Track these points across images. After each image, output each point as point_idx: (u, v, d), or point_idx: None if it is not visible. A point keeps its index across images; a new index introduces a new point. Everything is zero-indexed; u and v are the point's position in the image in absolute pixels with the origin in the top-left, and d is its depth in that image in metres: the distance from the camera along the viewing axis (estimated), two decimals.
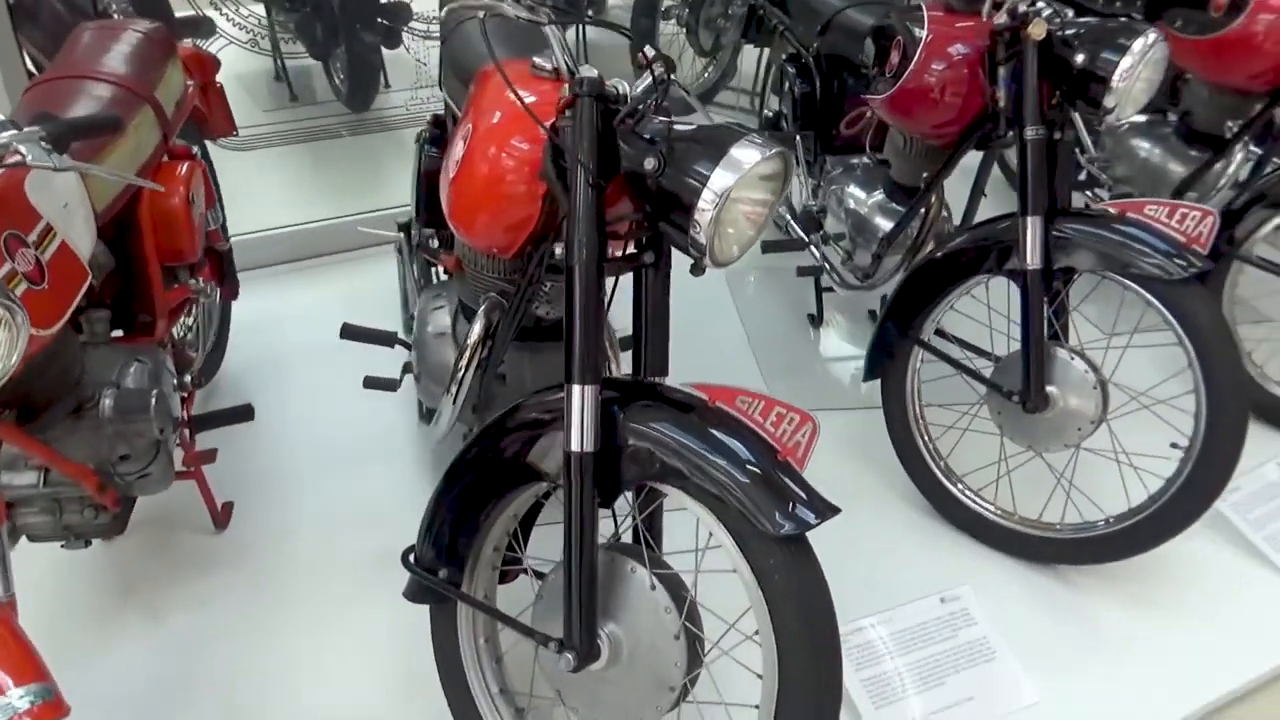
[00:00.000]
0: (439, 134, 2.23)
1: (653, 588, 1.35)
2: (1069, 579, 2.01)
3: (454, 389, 1.74)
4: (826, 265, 2.63)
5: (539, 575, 1.51)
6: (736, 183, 1.22)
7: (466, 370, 1.72)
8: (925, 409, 2.15)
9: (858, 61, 2.40)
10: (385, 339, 2.10)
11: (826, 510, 1.24)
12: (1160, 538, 1.88)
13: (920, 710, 1.75)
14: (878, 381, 2.18)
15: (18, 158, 1.23)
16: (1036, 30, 1.81)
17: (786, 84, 2.74)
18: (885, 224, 2.39)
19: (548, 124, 1.38)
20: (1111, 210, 1.88)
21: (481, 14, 1.51)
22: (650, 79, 1.33)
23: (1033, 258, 1.86)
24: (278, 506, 2.16)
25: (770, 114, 3.05)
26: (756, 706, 1.34)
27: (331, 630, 1.89)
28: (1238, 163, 2.56)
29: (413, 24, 4.04)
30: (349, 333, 2.09)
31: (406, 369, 2.08)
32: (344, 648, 1.85)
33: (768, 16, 3.06)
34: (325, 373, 2.53)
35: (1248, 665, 1.85)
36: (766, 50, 3.35)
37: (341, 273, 3.10)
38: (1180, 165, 2.63)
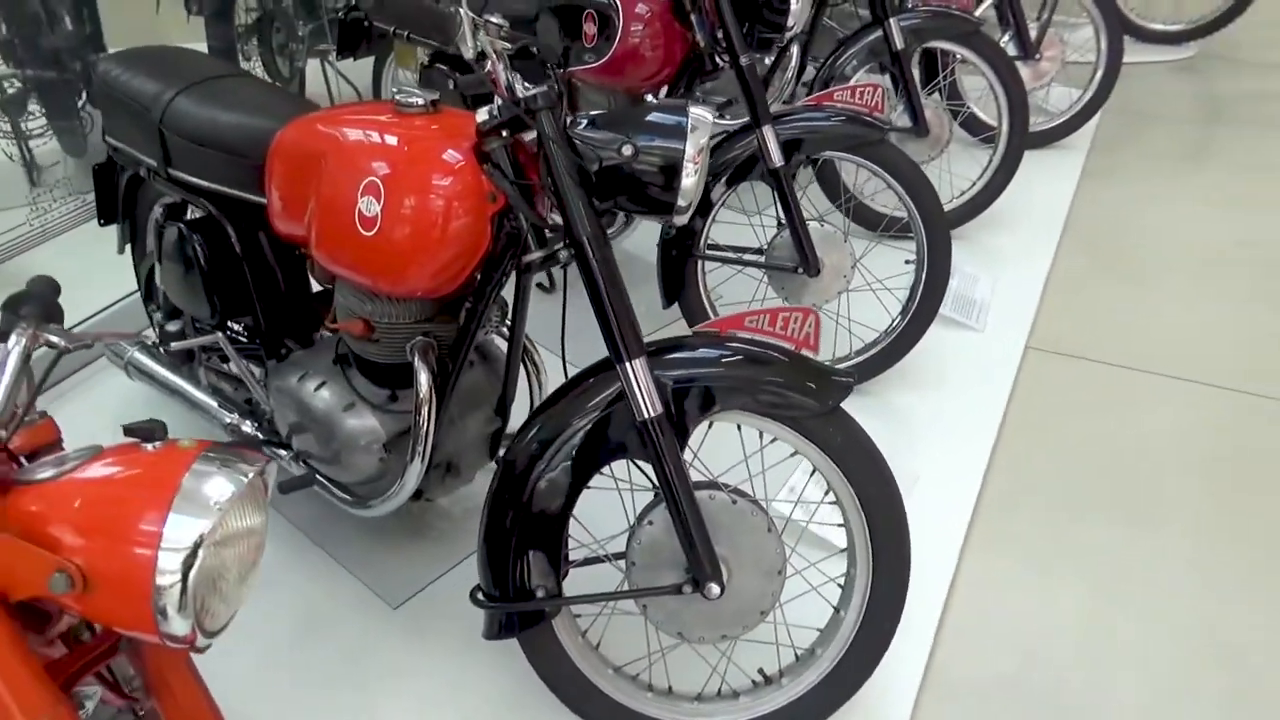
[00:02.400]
0: (179, 213, 2.04)
1: (734, 503, 1.57)
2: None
3: (420, 449, 1.71)
4: None
5: (616, 556, 1.64)
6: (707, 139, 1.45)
7: (428, 424, 1.70)
8: (721, 309, 2.53)
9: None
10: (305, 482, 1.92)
11: (847, 378, 1.55)
12: (919, 333, 2.50)
13: None
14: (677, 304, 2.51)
15: None
16: None
17: (450, 82, 2.85)
18: None
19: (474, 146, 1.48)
20: (810, 103, 2.38)
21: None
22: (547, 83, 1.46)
23: (777, 156, 2.30)
24: None
25: None
26: (840, 583, 1.64)
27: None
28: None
29: None
30: (289, 488, 1.88)
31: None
32: None
33: (375, 25, 3.10)
34: None
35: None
36: (371, 60, 3.37)
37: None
38: None
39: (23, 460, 0.92)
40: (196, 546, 0.81)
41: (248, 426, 2.10)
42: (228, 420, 2.13)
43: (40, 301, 1.03)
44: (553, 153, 1.41)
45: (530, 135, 1.49)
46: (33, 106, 3.70)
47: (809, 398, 1.52)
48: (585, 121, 1.50)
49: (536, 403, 2.01)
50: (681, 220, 1.52)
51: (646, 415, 1.46)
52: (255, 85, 2.04)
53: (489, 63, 1.42)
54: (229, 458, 0.89)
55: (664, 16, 2.34)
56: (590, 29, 2.38)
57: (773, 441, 1.61)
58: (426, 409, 1.70)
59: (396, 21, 2.91)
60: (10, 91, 3.53)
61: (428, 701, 1.79)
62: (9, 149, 3.22)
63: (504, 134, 1.48)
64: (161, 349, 2.33)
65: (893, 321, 2.52)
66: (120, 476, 0.85)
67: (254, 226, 1.98)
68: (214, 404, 2.19)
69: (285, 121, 1.76)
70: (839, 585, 1.67)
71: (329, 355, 1.91)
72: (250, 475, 0.88)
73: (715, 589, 1.50)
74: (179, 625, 0.83)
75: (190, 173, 1.96)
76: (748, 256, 2.50)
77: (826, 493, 1.61)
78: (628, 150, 1.44)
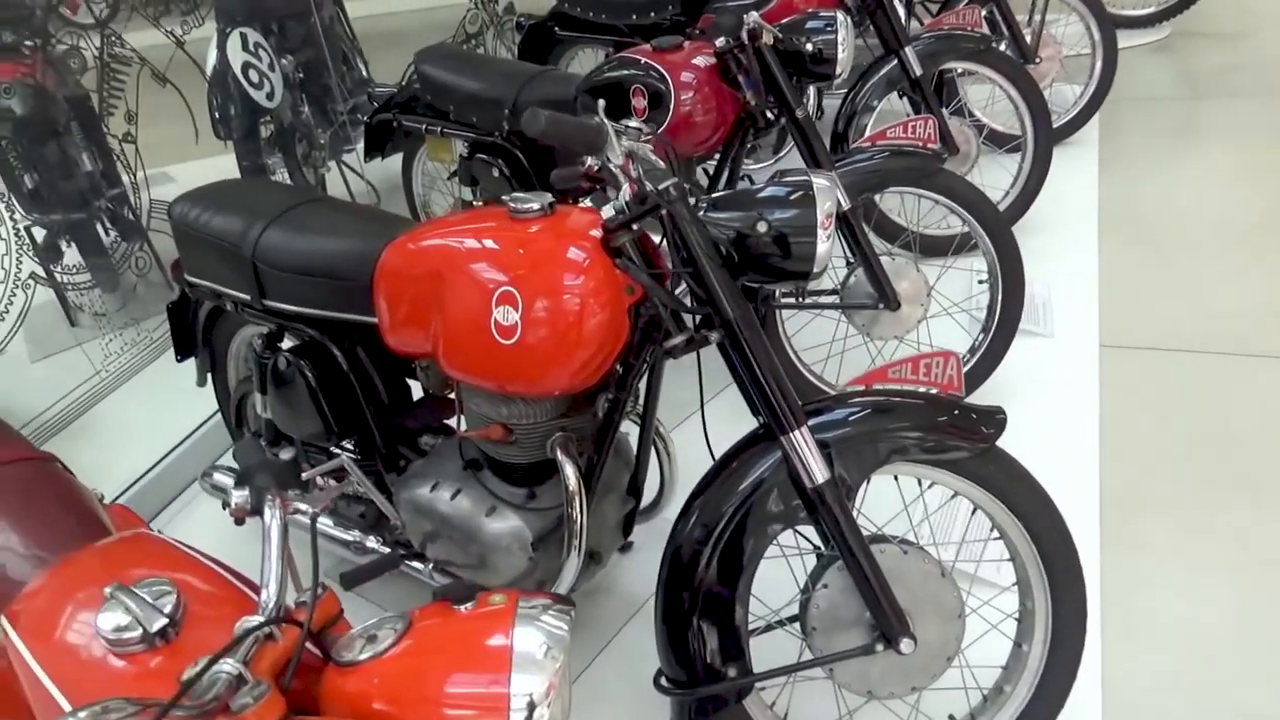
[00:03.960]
0: (275, 340, 2.06)
1: (905, 553, 1.57)
2: None
3: (575, 543, 1.71)
4: None
5: (788, 621, 1.64)
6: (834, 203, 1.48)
7: (581, 517, 1.70)
8: (803, 354, 2.56)
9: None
10: (389, 563, 1.91)
11: (999, 415, 1.57)
12: (1004, 348, 2.53)
13: None
14: None
15: None
16: (768, 38, 2.26)
17: (494, 170, 2.89)
18: None
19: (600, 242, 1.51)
20: (866, 144, 2.43)
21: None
22: (667, 169, 1.49)
23: (845, 200, 2.34)
24: None
25: (466, 206, 3.15)
26: (1016, 617, 1.65)
27: None
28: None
29: None
30: (352, 581, 1.86)
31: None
32: None
33: (402, 122, 3.15)
34: None
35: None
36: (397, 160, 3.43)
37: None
38: None
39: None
40: (540, 703, 0.82)
41: (373, 542, 2.09)
42: (350, 539, 2.12)
43: (272, 470, 1.03)
44: (693, 239, 1.44)
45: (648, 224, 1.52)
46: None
47: (967, 439, 1.54)
48: (705, 205, 1.53)
49: (667, 483, 2.02)
50: (815, 283, 1.55)
51: (817, 482, 1.47)
52: (336, 207, 2.06)
53: (611, 164, 1.45)
54: (540, 606, 0.89)
55: (712, 82, 2.38)
56: (640, 103, 2.42)
57: (930, 487, 1.62)
58: (578, 502, 1.70)
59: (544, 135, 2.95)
60: (41, 239, 3.56)
61: None
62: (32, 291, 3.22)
63: (634, 228, 1.51)
64: None
65: (975, 340, 2.54)
66: (448, 646, 0.85)
67: (355, 344, 2.00)
68: (330, 525, 2.19)
69: (385, 240, 1.78)
70: (1015, 619, 1.67)
71: (456, 461, 1.92)
72: (568, 623, 0.88)
73: (910, 644, 1.51)
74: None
75: (289, 301, 1.97)
76: (824, 300, 2.53)
77: (991, 530, 1.62)
78: (762, 227, 1.47)
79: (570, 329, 1.54)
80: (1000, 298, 2.49)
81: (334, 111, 3.92)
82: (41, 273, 2.91)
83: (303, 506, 1.01)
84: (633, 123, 1.40)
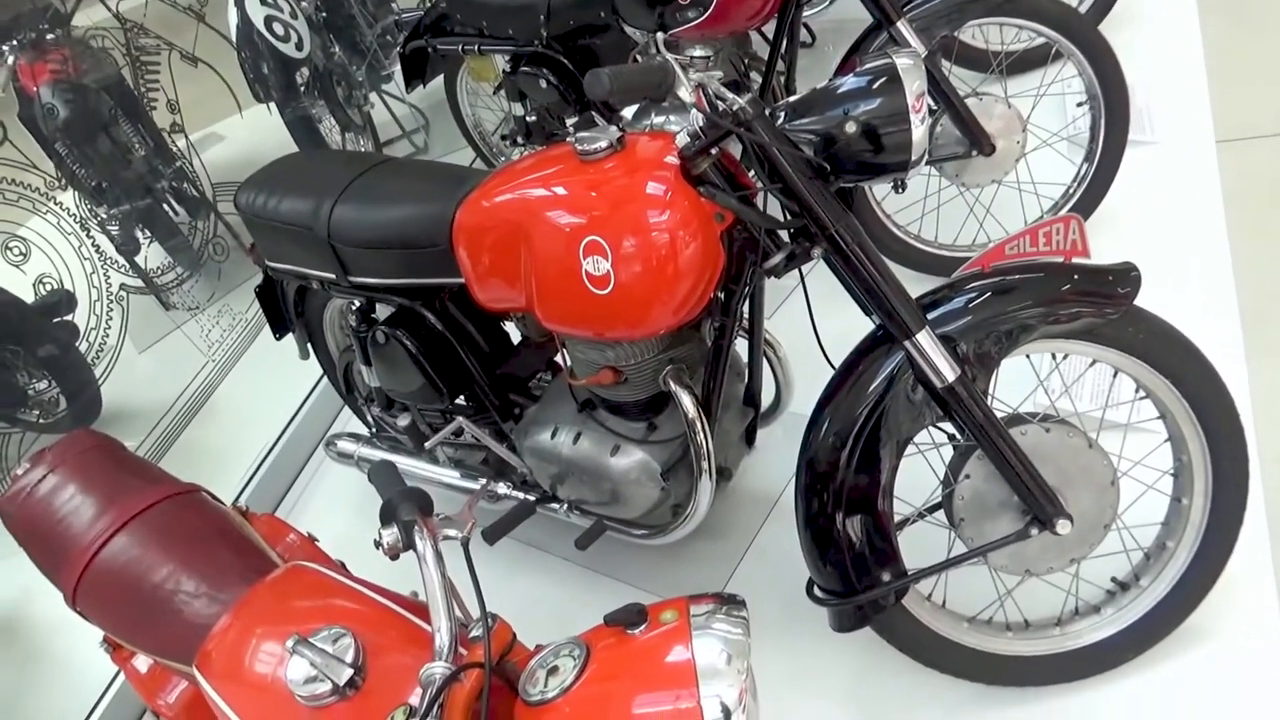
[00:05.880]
0: (368, 311, 2.07)
1: (1048, 431, 1.51)
2: None
3: (705, 466, 1.71)
4: None
5: (927, 511, 1.62)
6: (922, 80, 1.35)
7: (706, 442, 1.69)
8: (898, 218, 2.44)
9: (610, 22, 2.50)
10: (525, 511, 1.95)
11: (1132, 272, 1.46)
12: (1113, 171, 2.35)
13: None
14: None
15: None
16: None
17: (541, 82, 2.77)
18: None
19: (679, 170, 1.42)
20: None
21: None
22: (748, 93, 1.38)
23: (917, 44, 2.15)
24: None
25: (519, 122, 3.05)
26: (1173, 473, 1.58)
27: None
28: None
29: None
30: (494, 535, 1.91)
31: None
32: None
33: (436, 47, 3.02)
34: None
35: None
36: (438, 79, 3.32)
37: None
38: None
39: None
40: (734, 710, 0.82)
41: (504, 488, 2.13)
42: (480, 486, 2.17)
43: (410, 499, 1.03)
44: (778, 155, 1.34)
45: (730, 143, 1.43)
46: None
47: (1101, 305, 1.44)
48: (784, 113, 1.42)
49: (782, 387, 1.99)
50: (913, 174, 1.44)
51: (947, 381, 1.41)
52: (400, 170, 2.00)
53: (684, 91, 1.35)
54: (710, 611, 0.89)
55: None
56: None
57: (1065, 359, 1.54)
58: (700, 427, 1.69)
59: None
60: (116, 231, 3.62)
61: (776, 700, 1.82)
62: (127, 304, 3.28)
63: (713, 152, 1.42)
64: (379, 438, 2.40)
65: (1080, 168, 2.37)
66: (631, 670, 0.86)
67: (446, 304, 1.99)
68: (457, 476, 2.24)
69: (455, 201, 1.73)
70: (1171, 475, 1.61)
71: (570, 404, 1.91)
72: (744, 627, 0.87)
73: (1066, 524, 1.47)
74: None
75: (374, 275, 1.96)
76: None
77: (1137, 390, 1.54)
78: (850, 127, 1.36)
79: (663, 268, 1.48)
80: (1103, 118, 2.30)
81: (363, 42, 3.81)
82: (129, 279, 2.96)
83: (450, 532, 1.01)
84: (697, 51, 1.29)
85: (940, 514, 1.63)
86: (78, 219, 2.79)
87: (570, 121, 2.76)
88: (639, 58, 1.56)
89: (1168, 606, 1.60)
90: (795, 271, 1.54)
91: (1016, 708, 1.65)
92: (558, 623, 2.00)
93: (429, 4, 3.26)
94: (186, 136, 3.22)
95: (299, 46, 3.39)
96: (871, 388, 1.50)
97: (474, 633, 0.94)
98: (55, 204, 2.70)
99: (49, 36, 3.07)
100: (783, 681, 1.83)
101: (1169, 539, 1.61)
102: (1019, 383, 1.71)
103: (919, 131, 1.36)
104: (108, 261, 2.88)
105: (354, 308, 2.11)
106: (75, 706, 2.20)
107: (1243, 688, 1.58)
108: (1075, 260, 1.49)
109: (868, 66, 1.39)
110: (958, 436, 1.56)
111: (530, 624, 2.00)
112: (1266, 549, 1.72)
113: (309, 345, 2.51)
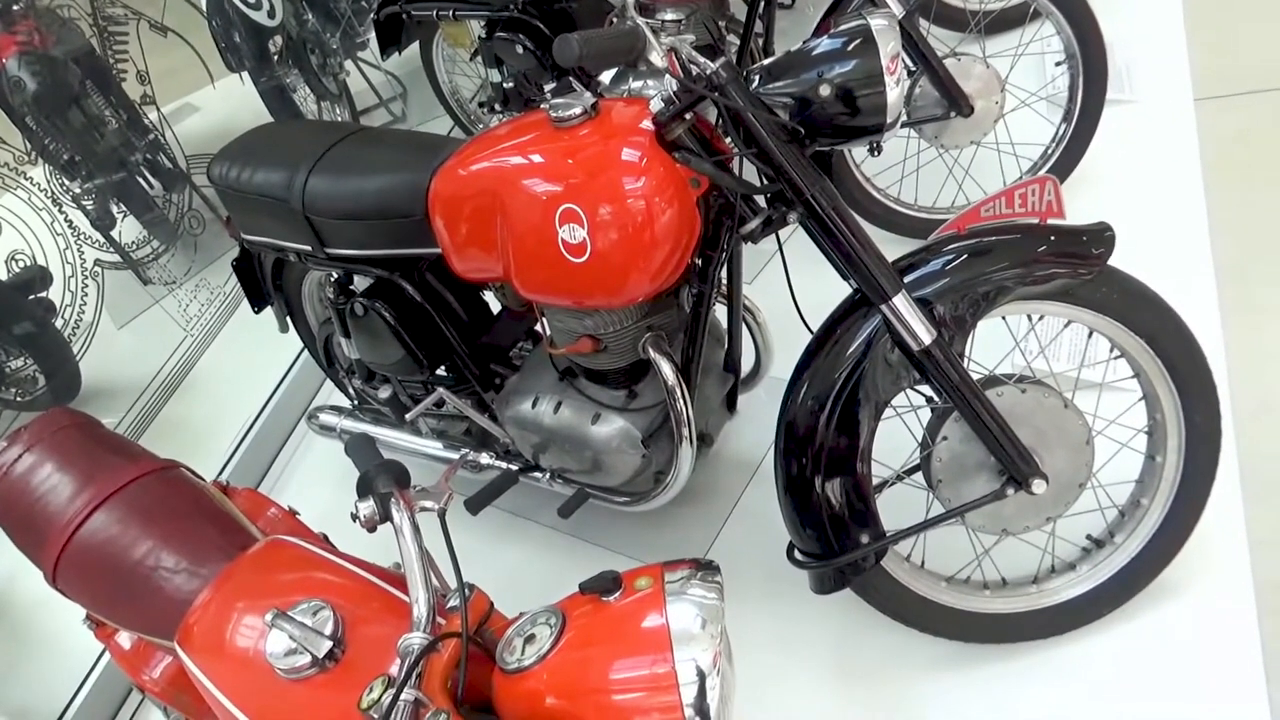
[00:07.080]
0: (346, 283, 2.05)
1: (1023, 392, 1.52)
2: None
3: (685, 433, 1.71)
4: None
5: (906, 473, 1.63)
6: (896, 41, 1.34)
7: (685, 408, 1.70)
8: (874, 179, 2.43)
9: None
10: (508, 480, 1.96)
11: (1106, 233, 1.46)
12: (1091, 130, 2.35)
13: None
14: None
15: None
16: None
17: (517, 47, 2.73)
18: None
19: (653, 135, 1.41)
20: None
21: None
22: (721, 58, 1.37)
23: (895, 6, 2.14)
24: None
25: (496, 89, 3.01)
26: (1147, 430, 1.59)
27: None
28: None
29: None
30: (477, 505, 1.92)
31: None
32: None
33: (410, 13, 2.97)
34: None
35: None
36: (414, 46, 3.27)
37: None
38: None
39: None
40: (708, 673, 0.83)
41: (487, 458, 2.14)
42: (458, 457, 2.17)
43: (387, 471, 1.03)
44: (753, 120, 1.34)
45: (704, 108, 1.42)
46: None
47: (1076, 266, 1.45)
48: (758, 77, 1.41)
49: (762, 352, 1.99)
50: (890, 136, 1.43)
51: (923, 344, 1.42)
52: (373, 139, 1.98)
53: (655, 55, 1.34)
54: (685, 577, 0.90)
55: None
56: None
57: (1040, 320, 1.55)
58: (679, 394, 1.69)
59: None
60: (90, 206, 3.57)
61: (765, 665, 1.85)
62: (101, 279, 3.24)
63: (687, 117, 1.41)
64: (361, 410, 2.39)
65: (1058, 129, 2.37)
66: (606, 635, 0.87)
67: (425, 274, 1.98)
68: (440, 447, 2.24)
69: (430, 170, 1.72)
70: (1145, 433, 1.62)
71: (550, 373, 1.91)
72: (718, 592, 0.88)
73: (1041, 484, 1.48)
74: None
75: (351, 246, 1.94)
76: None
77: (1112, 350, 1.55)
78: (825, 90, 1.35)
79: (639, 235, 1.47)
80: (1081, 77, 2.29)
81: (337, 9, 3.74)
82: (104, 255, 2.92)
83: (428, 504, 1.01)
84: (669, 15, 1.27)
85: (918, 476, 1.65)
86: (49, 194, 2.75)
87: (548, 87, 2.72)
88: (615, 21, 1.53)
89: (1142, 562, 1.63)
90: (773, 237, 1.54)
91: (995, 664, 1.68)
92: (543, 590, 2.01)
93: None
94: (158, 108, 3.16)
95: (271, 14, 3.33)
96: (849, 351, 1.50)
97: (452, 603, 0.95)
98: (26, 179, 2.66)
99: (15, 7, 3.01)
100: (765, 643, 1.85)
101: (1143, 496, 1.63)
102: (996, 344, 1.71)
103: (894, 93, 1.36)
104: (81, 237, 2.84)
105: (332, 280, 2.10)
106: (62, 684, 2.21)
107: (1215, 640, 1.61)
108: (1050, 221, 1.49)
109: (842, 28, 1.38)
110: (935, 399, 1.57)
111: (516, 592, 2.03)
112: (1238, 504, 1.74)
113: (288, 318, 2.50)
